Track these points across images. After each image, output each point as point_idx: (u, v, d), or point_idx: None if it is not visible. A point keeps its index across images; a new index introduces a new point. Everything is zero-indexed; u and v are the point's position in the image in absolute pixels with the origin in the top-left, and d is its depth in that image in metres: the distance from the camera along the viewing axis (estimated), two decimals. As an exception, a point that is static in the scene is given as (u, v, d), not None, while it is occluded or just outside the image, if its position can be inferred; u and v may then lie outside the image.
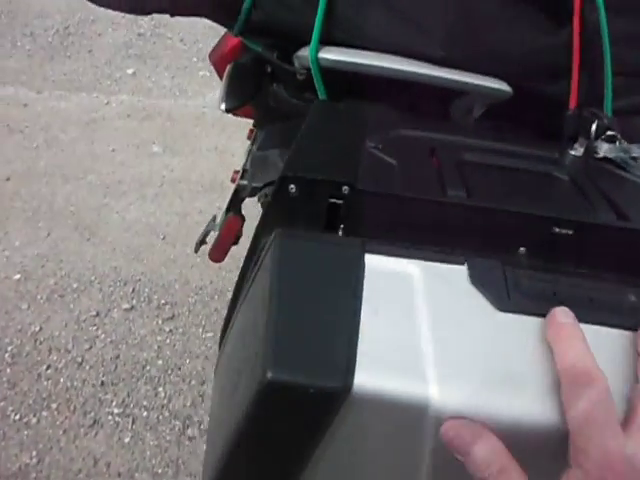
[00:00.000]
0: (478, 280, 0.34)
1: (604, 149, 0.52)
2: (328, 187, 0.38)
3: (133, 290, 1.63)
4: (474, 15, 0.55)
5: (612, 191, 0.44)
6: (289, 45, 0.62)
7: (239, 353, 0.38)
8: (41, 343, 1.53)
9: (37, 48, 2.71)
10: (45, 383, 1.42)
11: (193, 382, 1.37)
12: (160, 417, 1.31)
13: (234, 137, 2.09)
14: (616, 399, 0.30)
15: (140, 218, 1.85)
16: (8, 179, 2.03)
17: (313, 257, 0.34)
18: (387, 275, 0.34)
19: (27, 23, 2.88)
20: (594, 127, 0.52)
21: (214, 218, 1.08)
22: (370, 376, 0.30)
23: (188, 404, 1.33)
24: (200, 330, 1.50)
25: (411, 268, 0.34)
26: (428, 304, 0.33)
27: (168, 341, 1.48)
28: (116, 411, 1.35)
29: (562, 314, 0.33)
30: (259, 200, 0.85)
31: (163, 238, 1.78)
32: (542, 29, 0.56)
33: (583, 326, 0.32)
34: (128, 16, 2.86)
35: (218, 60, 0.77)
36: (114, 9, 0.61)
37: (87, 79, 2.48)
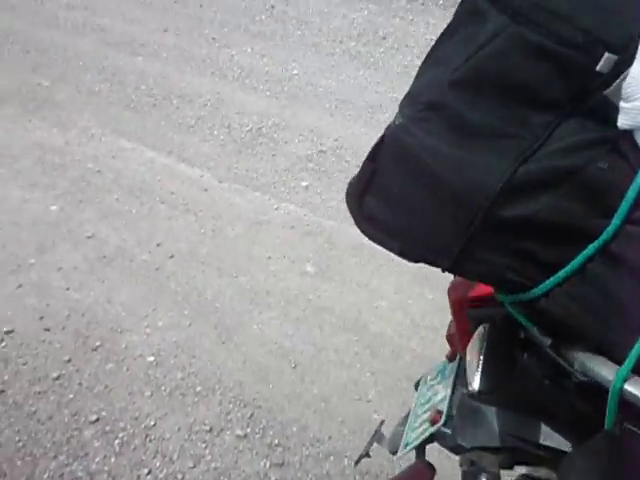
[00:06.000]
0: None
1: None
2: None
3: (251, 416, 1.58)
4: None
5: None
6: (567, 338, 0.54)
7: None
8: (151, 441, 1.51)
9: (230, 140, 2.98)
10: (142, 490, 1.38)
11: None
12: None
13: (388, 279, 2.05)
14: None
15: (277, 337, 1.83)
16: (172, 256, 2.15)
17: None
18: None
19: (227, 115, 3.20)
20: None
21: (382, 423, 0.98)
22: None
23: None
24: (307, 493, 1.38)
25: None
26: None
27: (271, 492, 1.38)
28: None
29: None
30: (461, 465, 0.73)
31: (294, 367, 1.73)
32: None
33: None
34: (315, 131, 3.06)
35: (458, 300, 0.71)
36: (386, 248, 0.58)
37: (265, 180, 2.64)
